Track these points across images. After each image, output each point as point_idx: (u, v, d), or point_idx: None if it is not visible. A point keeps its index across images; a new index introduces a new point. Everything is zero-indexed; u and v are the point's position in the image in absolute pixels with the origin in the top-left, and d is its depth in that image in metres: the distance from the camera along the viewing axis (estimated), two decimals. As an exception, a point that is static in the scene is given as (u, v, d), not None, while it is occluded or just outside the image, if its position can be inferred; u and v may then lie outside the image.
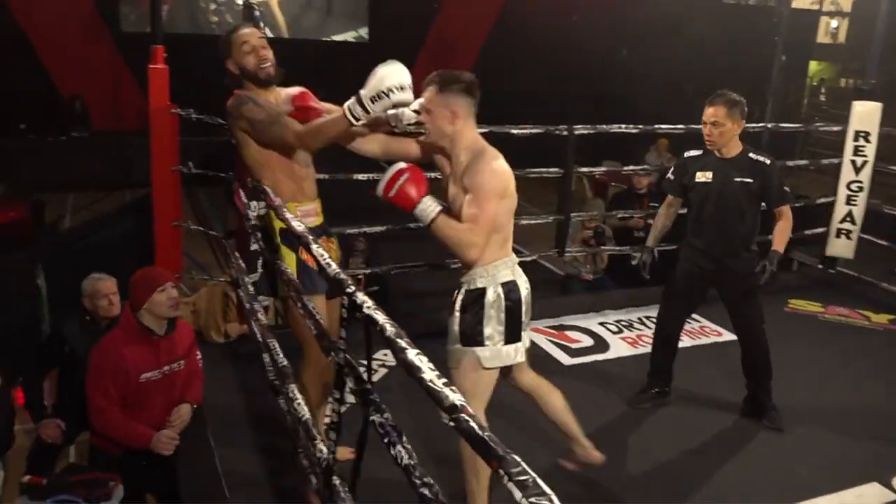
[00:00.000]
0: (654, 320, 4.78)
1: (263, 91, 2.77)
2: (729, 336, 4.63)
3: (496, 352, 2.51)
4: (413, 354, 1.41)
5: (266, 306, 4.13)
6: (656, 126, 5.04)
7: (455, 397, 1.27)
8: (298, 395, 2.44)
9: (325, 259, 1.91)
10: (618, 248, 5.37)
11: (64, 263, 4.85)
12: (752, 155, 3.42)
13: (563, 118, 4.99)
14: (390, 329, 1.53)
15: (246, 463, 3.14)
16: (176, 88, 4.16)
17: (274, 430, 3.17)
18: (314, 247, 1.98)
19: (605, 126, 4.82)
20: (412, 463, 1.55)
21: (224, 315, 4.33)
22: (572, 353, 4.36)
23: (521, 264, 2.65)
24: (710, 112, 3.35)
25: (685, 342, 4.52)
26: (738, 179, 3.42)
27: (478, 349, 2.50)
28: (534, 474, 1.08)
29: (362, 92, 2.37)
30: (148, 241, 4.54)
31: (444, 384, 1.31)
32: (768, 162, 3.42)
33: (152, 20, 4.02)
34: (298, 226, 2.20)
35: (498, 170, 2.46)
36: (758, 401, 3.66)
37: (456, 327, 2.53)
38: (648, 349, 4.41)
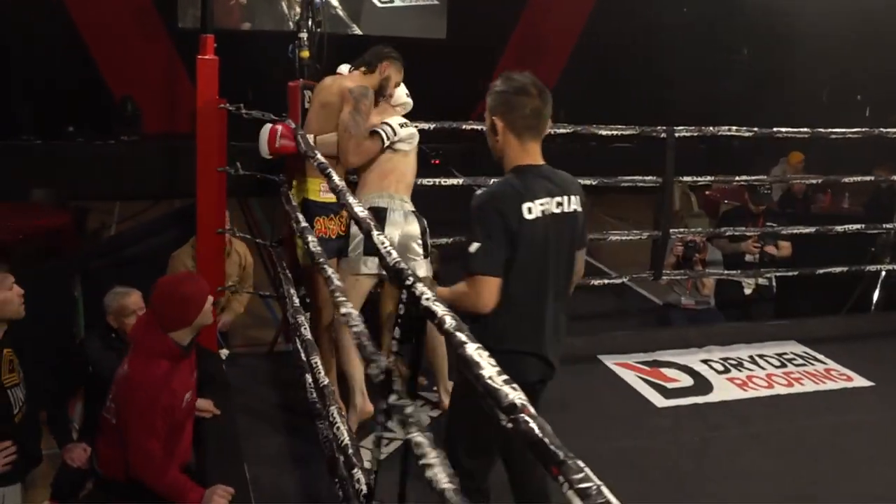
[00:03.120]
0: (770, 359, 4.67)
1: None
2: (861, 381, 4.43)
3: (355, 261, 3.59)
4: (473, 349, 1.41)
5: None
6: (774, 129, 4.88)
7: (515, 396, 1.26)
8: (339, 419, 2.46)
9: (386, 248, 1.99)
10: (725, 272, 5.21)
11: (103, 274, 5.07)
12: (492, 191, 2.54)
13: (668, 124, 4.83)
14: (450, 321, 1.53)
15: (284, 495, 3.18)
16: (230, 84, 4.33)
17: (317, 462, 3.20)
18: (375, 233, 2.11)
19: (711, 128, 4.70)
20: (449, 488, 1.54)
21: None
22: (667, 393, 4.23)
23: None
24: None
25: (806, 386, 4.36)
26: None
27: (345, 259, 3.65)
28: (599, 482, 1.06)
29: (392, 121, 3.67)
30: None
31: (504, 381, 1.31)
32: (477, 193, 2.53)
33: (203, 7, 4.20)
34: (361, 212, 2.34)
35: None
36: None
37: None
38: (760, 392, 4.28)
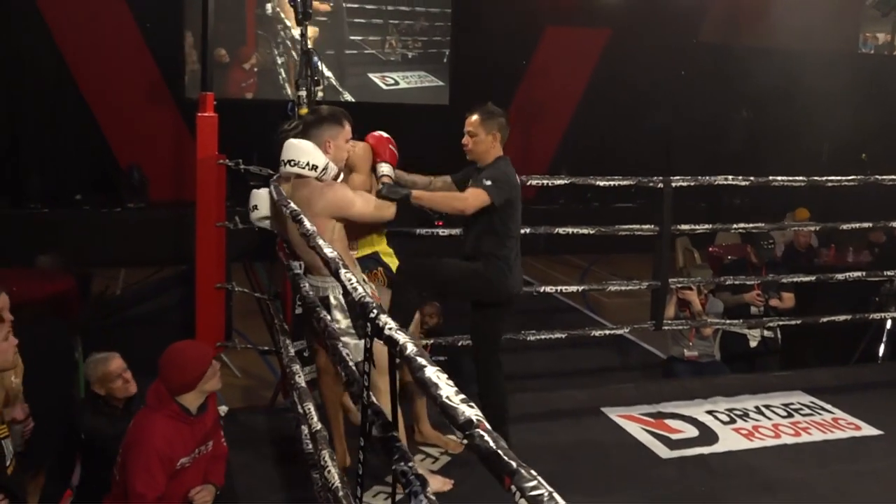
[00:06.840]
0: (776, 409, 4.61)
1: None
2: (870, 430, 4.36)
3: None
4: (432, 372, 1.45)
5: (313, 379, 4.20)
6: (770, 178, 4.92)
7: (472, 413, 1.29)
8: (330, 463, 2.44)
9: (352, 284, 2.01)
10: (727, 321, 5.19)
11: (105, 335, 5.07)
12: (495, 163, 3.68)
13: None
14: (411, 347, 1.58)
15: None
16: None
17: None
18: (343, 272, 2.10)
19: (707, 177, 4.74)
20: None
21: None
22: (672, 444, 4.17)
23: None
24: (468, 120, 3.75)
25: (814, 435, 4.29)
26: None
27: None
28: (550, 488, 1.05)
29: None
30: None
31: (462, 401, 1.33)
32: (495, 165, 3.65)
33: (203, 67, 4.32)
34: (331, 252, 2.44)
35: None
36: None
37: None
38: (766, 442, 4.21)
